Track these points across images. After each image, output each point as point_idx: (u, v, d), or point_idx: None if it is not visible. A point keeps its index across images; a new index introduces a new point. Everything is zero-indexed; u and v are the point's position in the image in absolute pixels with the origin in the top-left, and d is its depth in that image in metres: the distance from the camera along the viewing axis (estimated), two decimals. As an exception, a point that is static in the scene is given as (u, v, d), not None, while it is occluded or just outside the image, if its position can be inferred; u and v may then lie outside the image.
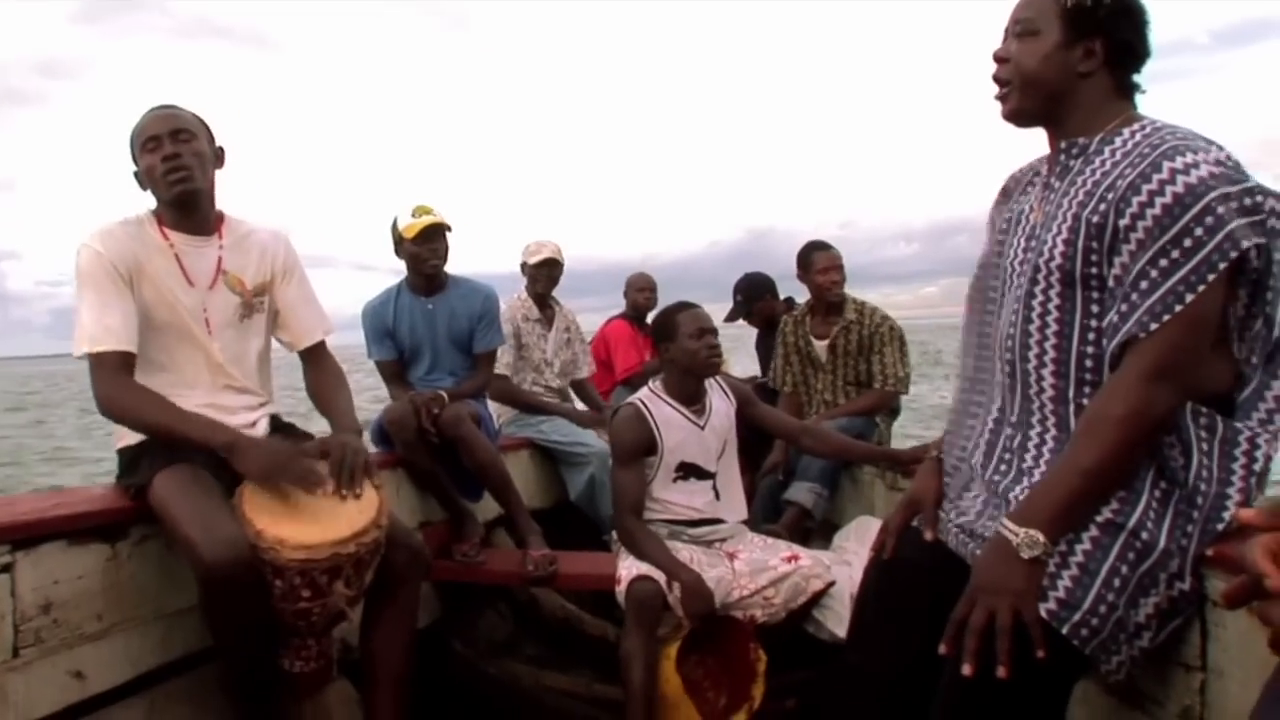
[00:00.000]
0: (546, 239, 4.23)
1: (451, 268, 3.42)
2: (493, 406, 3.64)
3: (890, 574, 1.66)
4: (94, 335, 1.95)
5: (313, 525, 1.86)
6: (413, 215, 3.26)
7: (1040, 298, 1.42)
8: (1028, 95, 1.47)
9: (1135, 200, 1.30)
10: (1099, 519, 1.32)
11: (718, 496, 2.65)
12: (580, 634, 3.20)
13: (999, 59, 1.50)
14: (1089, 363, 1.39)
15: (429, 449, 2.97)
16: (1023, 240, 1.51)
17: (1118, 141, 1.40)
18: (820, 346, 3.94)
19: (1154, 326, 1.28)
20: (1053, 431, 1.43)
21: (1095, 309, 1.38)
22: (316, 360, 2.33)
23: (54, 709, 1.77)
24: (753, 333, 5.08)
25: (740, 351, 5.43)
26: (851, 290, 4.00)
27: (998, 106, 1.52)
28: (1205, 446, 1.36)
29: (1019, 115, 1.51)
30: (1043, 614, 1.27)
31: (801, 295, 4.29)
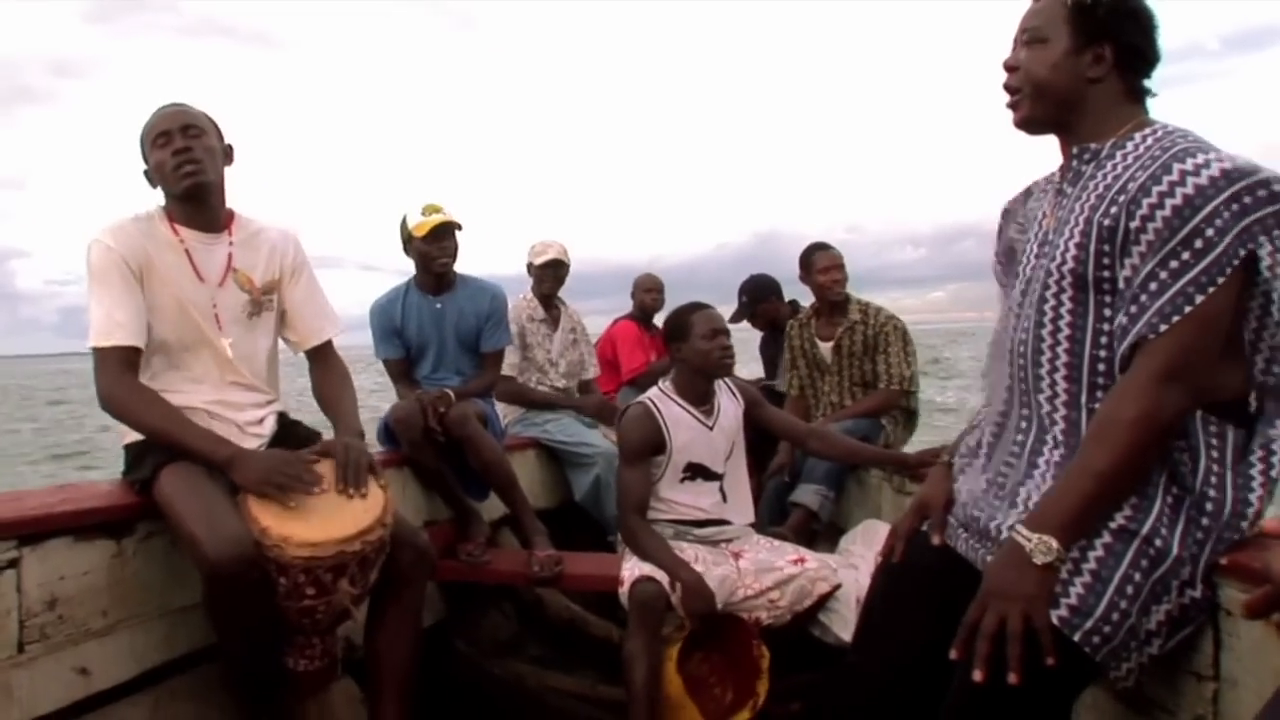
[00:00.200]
0: (552, 239, 4.22)
1: (458, 269, 3.42)
2: (499, 406, 3.64)
3: (898, 578, 1.65)
4: (102, 330, 1.95)
5: (318, 523, 1.85)
6: (422, 213, 3.26)
7: (1052, 302, 1.42)
8: (1039, 103, 1.47)
9: (1145, 202, 1.29)
10: (1112, 525, 1.31)
11: (725, 498, 2.64)
12: (585, 635, 3.19)
13: (1009, 68, 1.50)
14: (1101, 367, 1.38)
15: (435, 448, 2.96)
16: (1035, 246, 1.50)
17: (1129, 146, 1.40)
18: (825, 348, 3.93)
19: (1164, 328, 1.27)
20: (1062, 437, 1.42)
21: (1107, 313, 1.37)
22: (322, 361, 2.32)
23: (58, 705, 1.77)
24: (756, 336, 5.06)
25: (743, 354, 5.41)
26: (858, 295, 3.99)
27: (1006, 111, 1.52)
28: (1215, 454, 1.35)
29: (1030, 123, 1.51)
30: (1054, 621, 1.26)
31: (806, 299, 4.28)
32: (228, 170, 2.18)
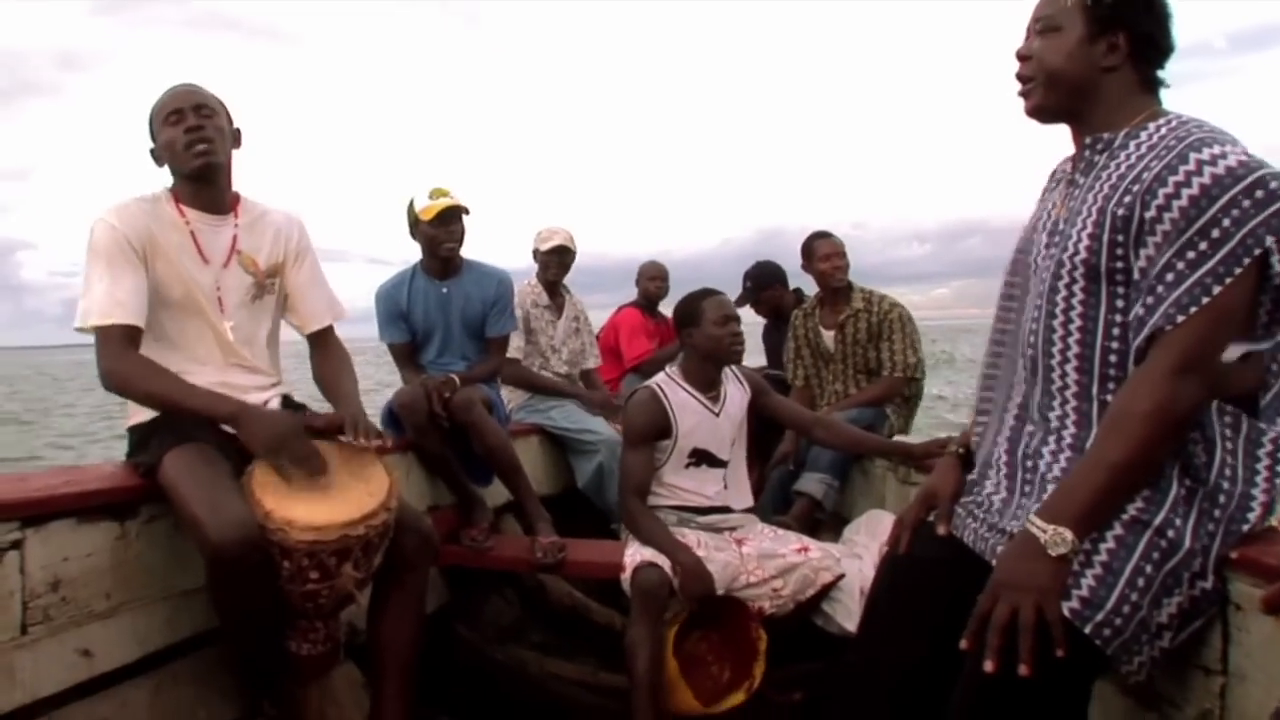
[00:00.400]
0: (559, 226, 4.20)
1: (465, 254, 3.41)
2: (504, 392, 3.63)
3: (905, 569, 1.65)
4: (103, 309, 1.94)
5: (322, 507, 1.85)
6: (430, 197, 3.24)
7: (1064, 293, 1.41)
8: (1051, 91, 1.46)
9: (1161, 192, 1.28)
10: (1124, 516, 1.30)
11: (727, 485, 2.64)
12: (586, 622, 3.20)
13: (1022, 57, 1.49)
14: (1113, 358, 1.37)
15: (439, 433, 2.95)
16: (1046, 236, 1.49)
17: (1143, 136, 1.38)
18: (829, 336, 3.92)
19: (1181, 319, 1.26)
20: (1073, 429, 1.41)
21: (1120, 304, 1.36)
22: (324, 345, 2.32)
23: (61, 687, 1.77)
24: (759, 325, 5.05)
25: (746, 343, 5.39)
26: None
27: (1012, 108, 1.52)
28: (1230, 445, 1.34)
29: (1042, 111, 1.50)
30: (1065, 613, 1.25)
31: (811, 288, 4.27)
32: (235, 156, 2.17)
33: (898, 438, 3.41)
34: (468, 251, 3.40)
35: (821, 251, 3.92)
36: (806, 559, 2.52)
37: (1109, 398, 1.37)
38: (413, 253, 3.41)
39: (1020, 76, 1.49)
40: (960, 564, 1.49)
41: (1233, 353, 1.34)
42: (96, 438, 14.68)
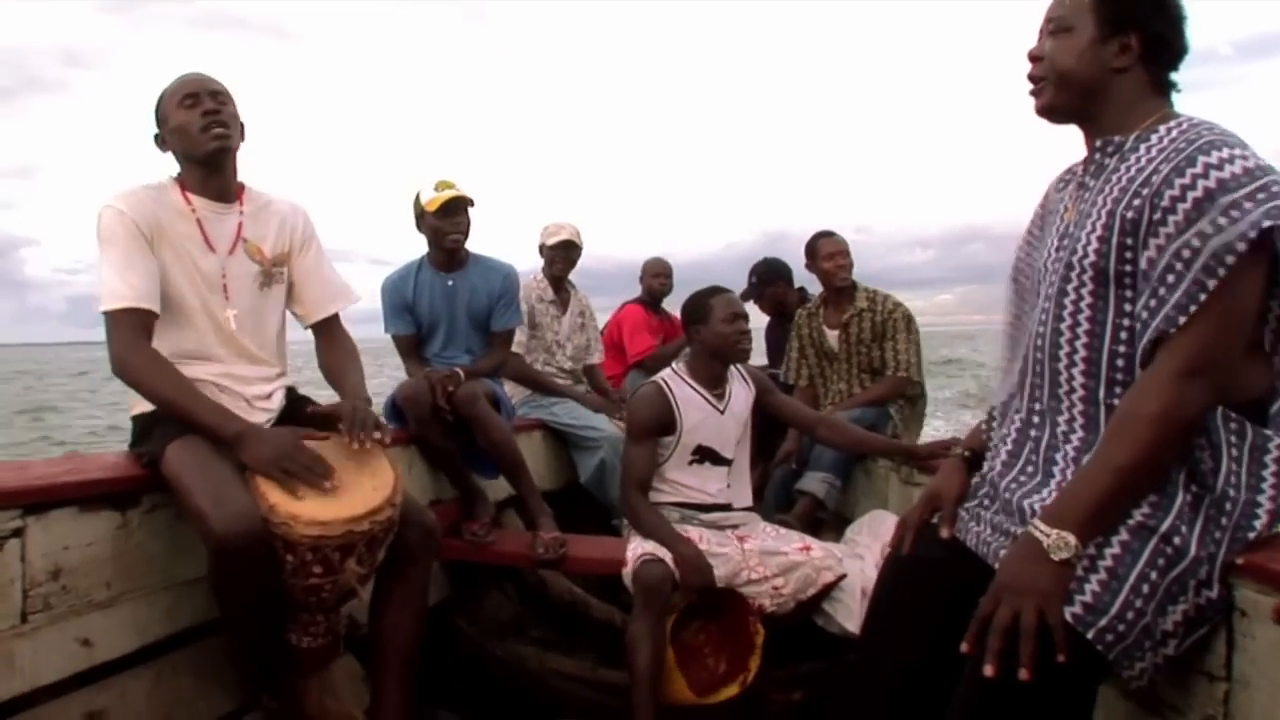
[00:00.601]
0: (565, 221, 4.20)
1: (471, 248, 3.40)
2: (508, 386, 3.63)
3: (907, 570, 1.64)
4: (114, 293, 1.92)
5: (327, 502, 1.84)
6: (435, 189, 3.24)
7: (1072, 296, 1.40)
8: (1062, 91, 1.45)
9: (1168, 194, 1.28)
10: (1130, 522, 1.30)
11: (730, 483, 2.64)
12: (586, 617, 3.19)
13: (1034, 57, 1.48)
14: (1120, 362, 1.36)
15: (443, 426, 2.95)
16: (1055, 239, 1.49)
17: (1154, 139, 1.37)
18: (832, 336, 3.92)
19: (1182, 320, 1.25)
20: (1080, 433, 1.41)
21: (1128, 307, 1.35)
22: (329, 334, 2.31)
23: (60, 676, 1.76)
24: (763, 323, 5.04)
25: (750, 341, 5.39)
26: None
27: (1016, 114, 1.50)
28: (1235, 452, 1.33)
29: (1052, 110, 1.49)
30: (1068, 618, 1.25)
31: (817, 289, 4.26)
32: (240, 150, 2.16)
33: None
34: (473, 247, 3.40)
35: (825, 250, 3.91)
36: (808, 558, 2.52)
37: (1115, 402, 1.36)
38: (416, 252, 3.42)
39: (1032, 77, 1.49)
40: (963, 566, 1.49)
41: None
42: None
